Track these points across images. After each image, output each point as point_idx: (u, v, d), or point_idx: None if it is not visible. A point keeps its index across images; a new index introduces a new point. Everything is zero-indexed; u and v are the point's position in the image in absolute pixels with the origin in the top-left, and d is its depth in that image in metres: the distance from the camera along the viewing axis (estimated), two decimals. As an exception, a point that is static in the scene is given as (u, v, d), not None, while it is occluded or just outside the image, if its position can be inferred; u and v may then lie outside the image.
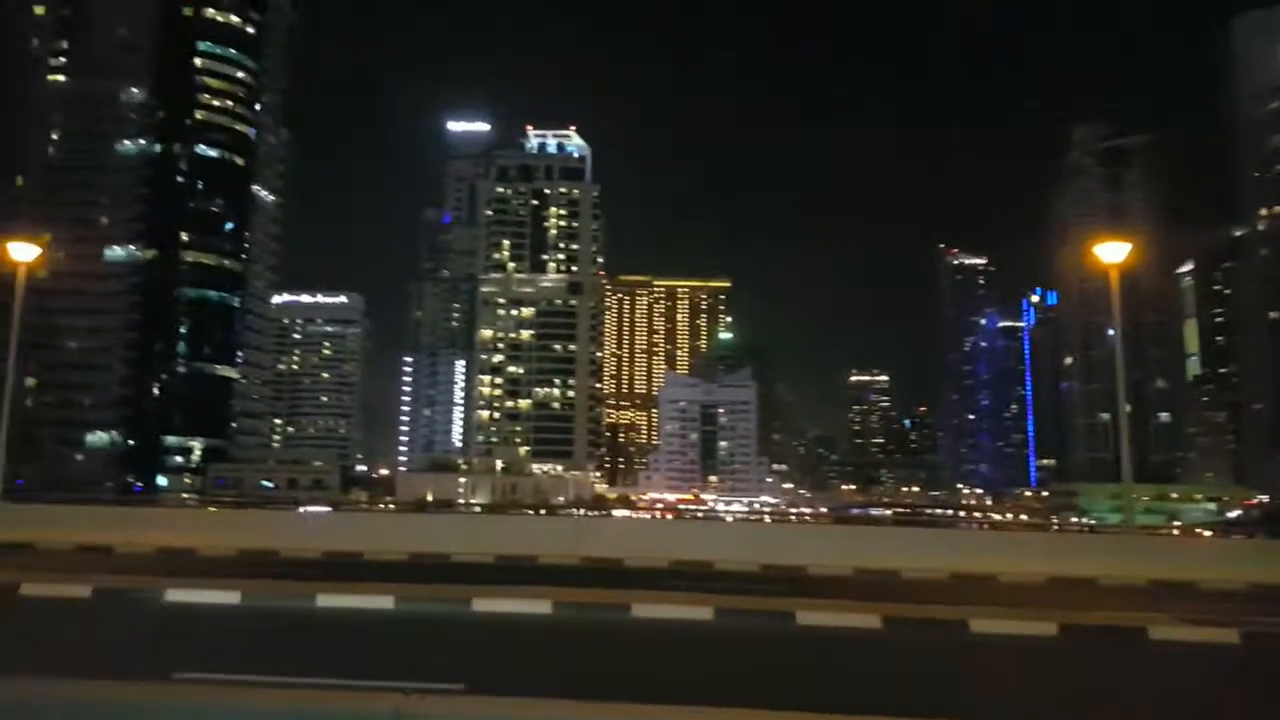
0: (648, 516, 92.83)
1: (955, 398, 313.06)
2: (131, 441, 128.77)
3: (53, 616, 13.87)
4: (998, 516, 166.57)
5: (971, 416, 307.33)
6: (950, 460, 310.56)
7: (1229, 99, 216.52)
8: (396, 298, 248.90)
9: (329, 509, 63.18)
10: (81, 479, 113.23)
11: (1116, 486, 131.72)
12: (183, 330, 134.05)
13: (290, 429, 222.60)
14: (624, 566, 21.25)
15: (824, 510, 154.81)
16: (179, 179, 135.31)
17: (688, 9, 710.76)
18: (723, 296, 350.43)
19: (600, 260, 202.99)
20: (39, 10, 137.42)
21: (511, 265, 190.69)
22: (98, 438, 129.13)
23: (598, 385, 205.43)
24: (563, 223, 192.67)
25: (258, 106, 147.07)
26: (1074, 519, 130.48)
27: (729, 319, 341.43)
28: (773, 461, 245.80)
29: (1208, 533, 67.19)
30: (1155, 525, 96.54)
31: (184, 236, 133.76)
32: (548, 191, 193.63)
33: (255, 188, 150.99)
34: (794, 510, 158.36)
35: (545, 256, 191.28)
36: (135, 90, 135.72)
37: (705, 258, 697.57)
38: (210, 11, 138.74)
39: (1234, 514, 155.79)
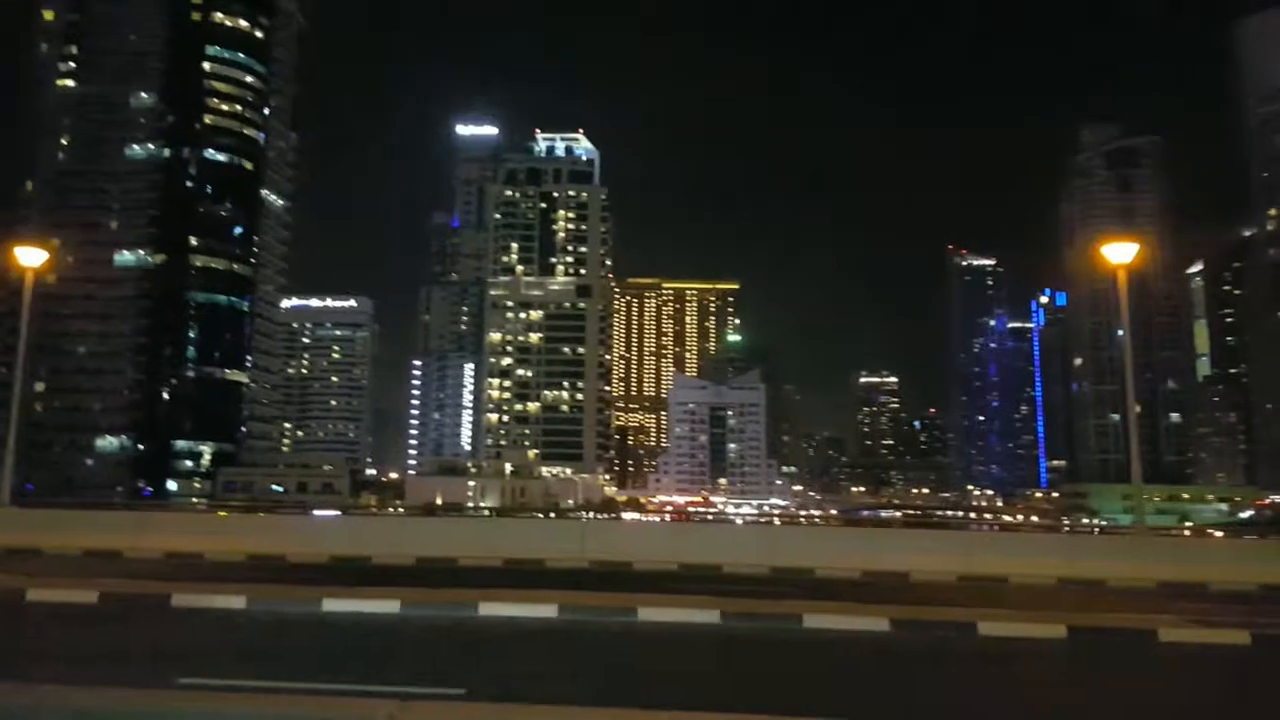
0: (656, 519, 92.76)
1: (965, 399, 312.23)
2: (141, 446, 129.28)
3: (58, 622, 13.88)
4: (1008, 518, 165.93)
5: (981, 418, 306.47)
6: (960, 461, 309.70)
7: (1237, 99, 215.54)
8: (405, 301, 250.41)
9: (338, 513, 63.35)
10: (91, 484, 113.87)
11: (1127, 487, 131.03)
12: (192, 335, 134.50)
13: (300, 433, 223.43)
14: (632, 570, 21.18)
15: (834, 512, 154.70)
16: (188, 184, 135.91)
17: (691, 9, 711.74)
18: (731, 299, 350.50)
19: (609, 263, 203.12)
20: (48, 16, 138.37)
21: (520, 268, 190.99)
22: (107, 442, 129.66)
23: (606, 388, 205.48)
24: (571, 225, 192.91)
25: (266, 111, 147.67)
26: (1085, 520, 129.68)
27: (737, 321, 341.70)
28: (782, 464, 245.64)
29: (1219, 533, 66.74)
30: (1167, 526, 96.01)
31: (193, 241, 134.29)
32: (556, 194, 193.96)
33: (264, 192, 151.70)
34: (803, 512, 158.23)
35: (554, 259, 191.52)
36: (144, 95, 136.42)
37: (714, 259, 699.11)
38: (219, 16, 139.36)
39: (1246, 514, 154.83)
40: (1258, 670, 12.72)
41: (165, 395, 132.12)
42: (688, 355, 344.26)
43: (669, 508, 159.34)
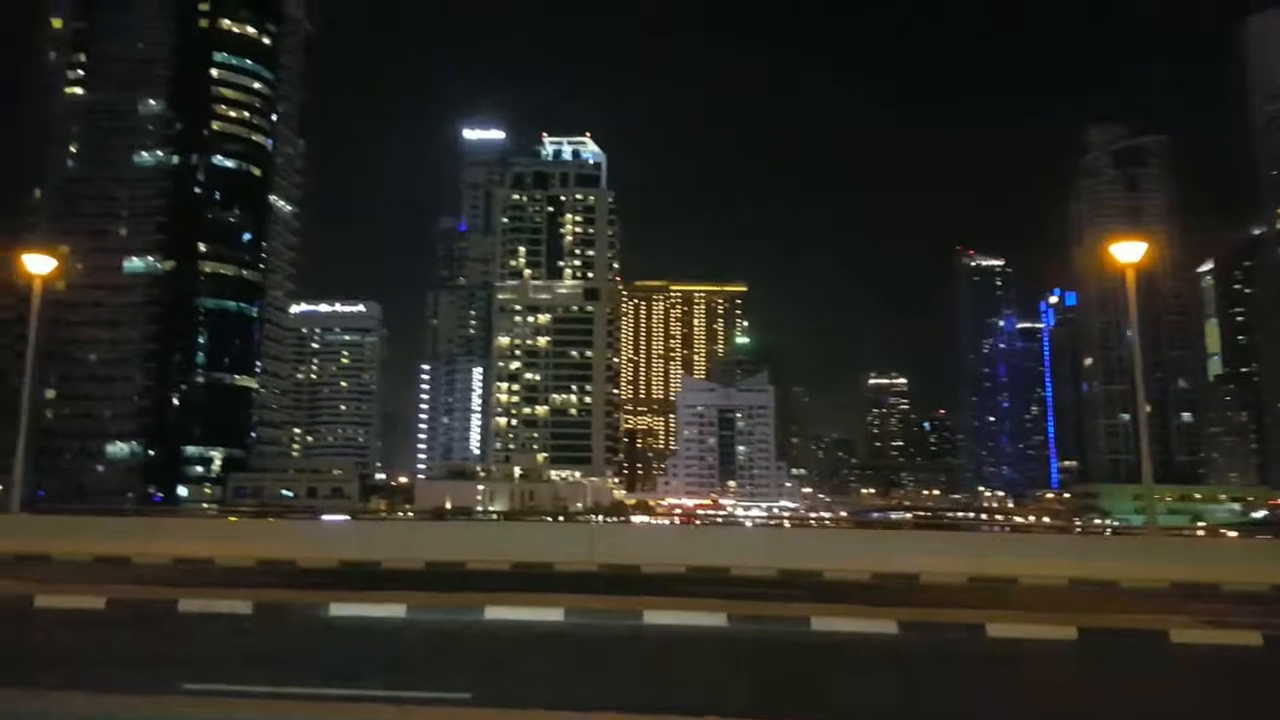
0: (665, 522, 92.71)
1: (974, 400, 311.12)
2: (152, 452, 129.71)
3: (65, 628, 13.90)
4: (1019, 519, 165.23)
5: (991, 418, 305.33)
6: (971, 463, 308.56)
7: (1242, 98, 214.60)
8: (414, 306, 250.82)
9: (348, 518, 63.49)
10: (102, 490, 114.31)
11: (1139, 487, 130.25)
12: (202, 341, 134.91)
13: (310, 438, 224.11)
14: (640, 572, 21.12)
15: (844, 514, 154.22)
16: (196, 190, 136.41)
17: (691, 9, 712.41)
18: (739, 301, 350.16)
19: (616, 266, 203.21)
20: (57, 24, 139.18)
21: (528, 272, 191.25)
22: (118, 449, 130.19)
23: (615, 391, 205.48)
24: (578, 229, 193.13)
25: (274, 117, 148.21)
26: (1097, 521, 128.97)
27: (745, 323, 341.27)
28: (791, 466, 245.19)
29: (1233, 533, 66.27)
30: (1179, 526, 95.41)
31: (202, 247, 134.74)
32: (563, 198, 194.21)
33: (272, 198, 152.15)
34: (813, 514, 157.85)
35: (561, 263, 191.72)
36: (152, 102, 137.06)
37: (714, 259, 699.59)
38: (226, 23, 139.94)
39: (1259, 514, 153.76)
40: (1270, 672, 12.60)
41: (175, 401, 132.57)
42: (696, 358, 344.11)
43: (678, 510, 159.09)
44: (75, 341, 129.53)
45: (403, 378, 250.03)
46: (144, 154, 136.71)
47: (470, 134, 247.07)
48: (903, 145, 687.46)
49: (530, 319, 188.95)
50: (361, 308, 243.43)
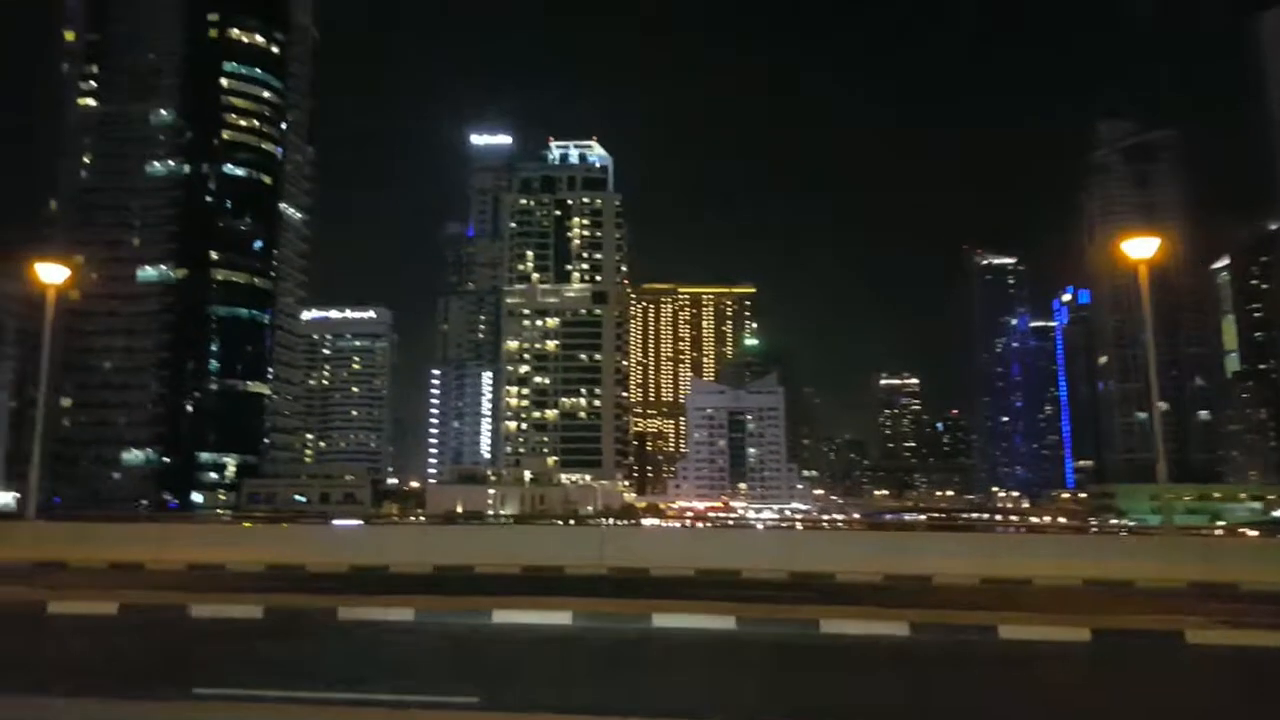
0: (676, 525, 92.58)
1: (987, 399, 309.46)
2: (166, 459, 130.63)
3: (77, 634, 13.98)
4: (1035, 519, 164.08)
5: (1005, 418, 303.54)
6: (984, 463, 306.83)
7: (1263, 92, 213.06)
8: (423, 311, 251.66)
9: (360, 522, 63.74)
10: (118, 497, 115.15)
11: (1156, 487, 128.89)
12: (214, 348, 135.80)
13: (322, 443, 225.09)
14: (650, 576, 21.05)
15: (856, 516, 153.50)
16: (208, 199, 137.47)
17: (691, 9, 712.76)
18: (748, 302, 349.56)
19: (624, 269, 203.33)
20: (69, 36, 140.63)
21: (536, 276, 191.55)
22: (133, 456, 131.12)
23: (624, 394, 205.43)
24: (586, 233, 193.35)
25: (283, 125, 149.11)
26: (1113, 521, 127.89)
27: (754, 325, 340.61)
28: (803, 468, 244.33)
29: (1253, 532, 65.66)
30: (1198, 526, 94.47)
31: (214, 255, 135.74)
32: (570, 202, 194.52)
33: (282, 205, 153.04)
34: (826, 517, 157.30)
35: (569, 267, 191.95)
36: (164, 112, 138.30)
37: (715, 260, 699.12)
38: (235, 33, 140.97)
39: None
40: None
41: (189, 408, 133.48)
42: (705, 360, 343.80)
43: (689, 513, 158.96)
44: (91, 350, 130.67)
45: (413, 383, 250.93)
46: (156, 164, 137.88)
47: (477, 140, 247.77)
48: (904, 145, 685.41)
49: (539, 323, 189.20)
50: (372, 314, 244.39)
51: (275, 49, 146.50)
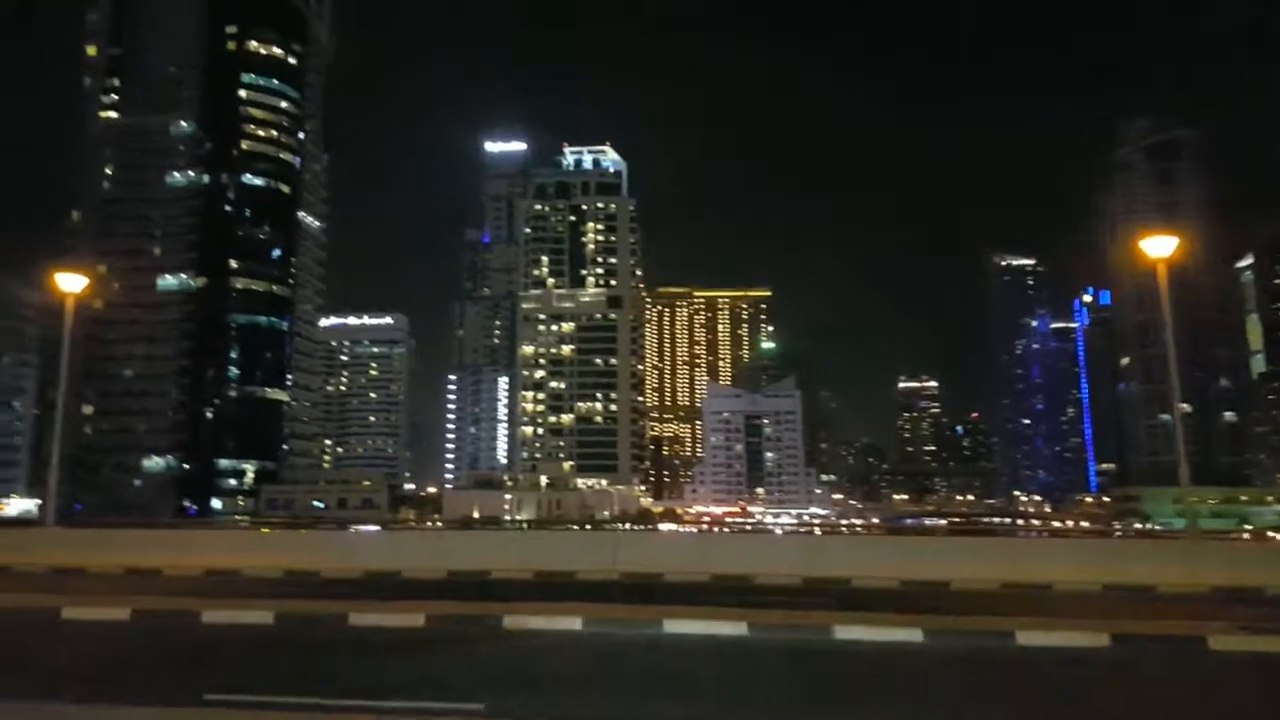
0: (692, 530, 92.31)
1: (1008, 402, 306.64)
2: (186, 466, 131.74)
3: (89, 639, 14.04)
4: (1057, 524, 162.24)
5: (1026, 421, 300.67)
6: (1005, 466, 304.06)
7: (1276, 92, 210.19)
8: (439, 317, 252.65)
9: (377, 528, 63.97)
10: (138, 504, 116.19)
11: (1180, 490, 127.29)
12: (234, 355, 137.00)
13: (340, 449, 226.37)
14: (663, 581, 20.96)
15: (875, 521, 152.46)
16: (227, 208, 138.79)
17: (691, 9, 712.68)
18: (764, 306, 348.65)
19: (639, 273, 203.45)
20: (91, 51, 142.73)
21: (551, 281, 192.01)
22: (154, 463, 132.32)
23: (640, 399, 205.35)
24: (600, 237, 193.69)
25: (301, 135, 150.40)
26: (1138, 525, 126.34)
27: (770, 328, 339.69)
28: (821, 472, 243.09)
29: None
30: (1225, 529, 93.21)
31: (233, 264, 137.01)
32: (585, 207, 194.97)
33: (300, 214, 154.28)
34: (844, 521, 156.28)
35: (584, 271, 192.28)
36: (184, 123, 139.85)
37: (730, 263, 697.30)
38: (253, 45, 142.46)
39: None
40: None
41: (209, 415, 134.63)
42: (721, 364, 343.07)
43: (706, 518, 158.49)
44: (112, 358, 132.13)
45: (429, 389, 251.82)
46: (176, 174, 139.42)
47: (492, 146, 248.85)
48: (904, 145, 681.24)
49: (554, 328, 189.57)
50: (389, 320, 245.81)
51: (292, 60, 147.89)
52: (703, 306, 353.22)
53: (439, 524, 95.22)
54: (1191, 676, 12.05)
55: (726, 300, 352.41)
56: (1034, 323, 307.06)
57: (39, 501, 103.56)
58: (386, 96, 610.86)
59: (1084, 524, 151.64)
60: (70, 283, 29.42)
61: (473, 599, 17.10)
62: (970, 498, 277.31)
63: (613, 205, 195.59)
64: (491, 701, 9.83)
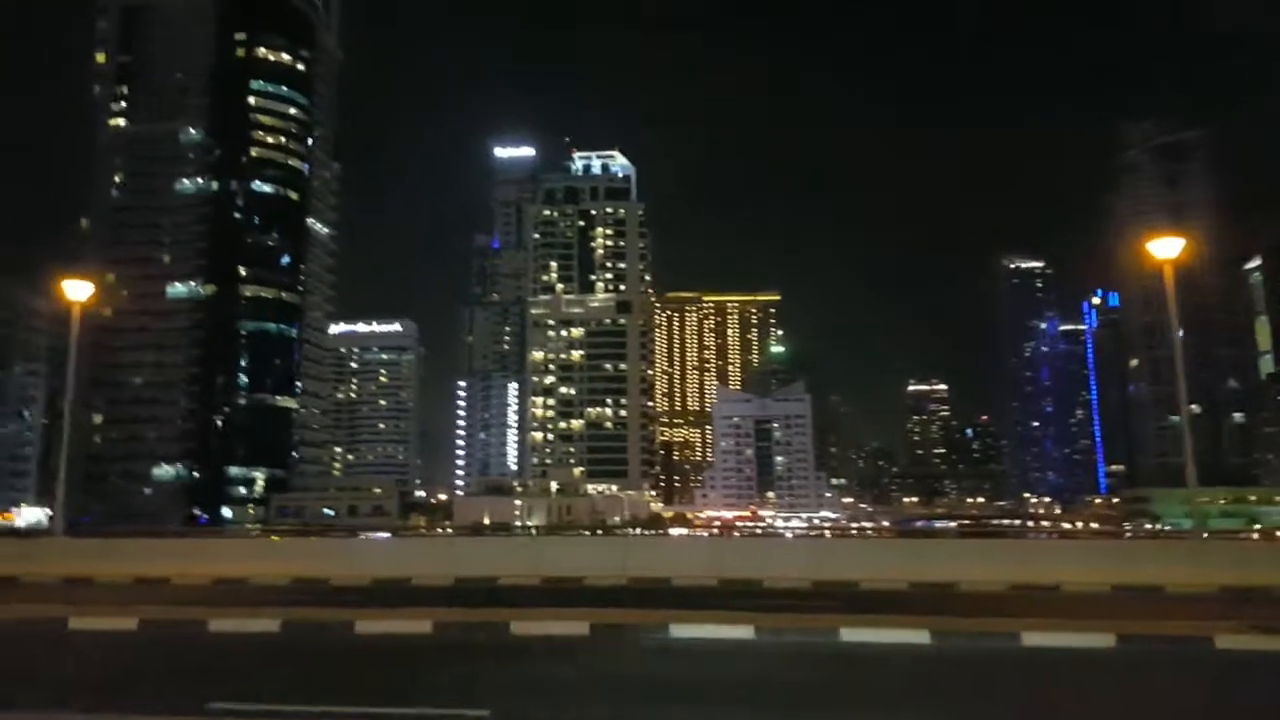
0: (702, 534, 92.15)
1: (1017, 404, 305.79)
2: (196, 474, 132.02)
3: (96, 649, 14.10)
4: (1067, 525, 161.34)
5: (1035, 423, 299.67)
6: (1015, 469, 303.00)
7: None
8: (449, 323, 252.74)
9: (388, 535, 64.08)
10: (148, 512, 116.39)
11: (1189, 491, 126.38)
12: (243, 363, 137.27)
13: (350, 456, 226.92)
14: (671, 586, 20.98)
15: (885, 524, 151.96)
16: (236, 215, 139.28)
17: (691, 9, 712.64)
18: (773, 310, 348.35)
19: (648, 278, 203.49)
20: (100, 59, 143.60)
21: (560, 286, 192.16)
22: (164, 471, 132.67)
23: (650, 403, 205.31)
24: (610, 242, 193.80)
25: (310, 141, 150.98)
26: (1148, 526, 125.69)
27: (780, 332, 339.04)
28: (831, 476, 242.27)
29: (1290, 536, 64.13)
30: (1234, 530, 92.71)
31: (243, 271, 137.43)
32: (594, 212, 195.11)
33: (309, 221, 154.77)
34: (854, 524, 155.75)
35: (593, 277, 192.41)
36: (193, 131, 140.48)
37: (729, 263, 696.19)
38: (262, 51, 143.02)
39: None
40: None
41: (218, 423, 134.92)
42: (730, 368, 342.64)
43: (716, 523, 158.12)
44: (121, 366, 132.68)
45: (439, 395, 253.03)
46: (185, 181, 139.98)
47: (501, 152, 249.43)
48: (904, 145, 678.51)
49: (564, 333, 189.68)
50: (398, 326, 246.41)
51: (301, 66, 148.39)
52: (712, 311, 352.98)
53: (449, 530, 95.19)
54: (1198, 677, 11.98)
55: (736, 305, 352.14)
56: (1043, 325, 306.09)
57: (48, 511, 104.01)
58: (391, 100, 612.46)
59: (1094, 525, 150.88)
60: (76, 290, 29.52)
61: (481, 605, 17.12)
62: (980, 500, 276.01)
63: (621, 210, 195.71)
64: (497, 707, 9.83)
